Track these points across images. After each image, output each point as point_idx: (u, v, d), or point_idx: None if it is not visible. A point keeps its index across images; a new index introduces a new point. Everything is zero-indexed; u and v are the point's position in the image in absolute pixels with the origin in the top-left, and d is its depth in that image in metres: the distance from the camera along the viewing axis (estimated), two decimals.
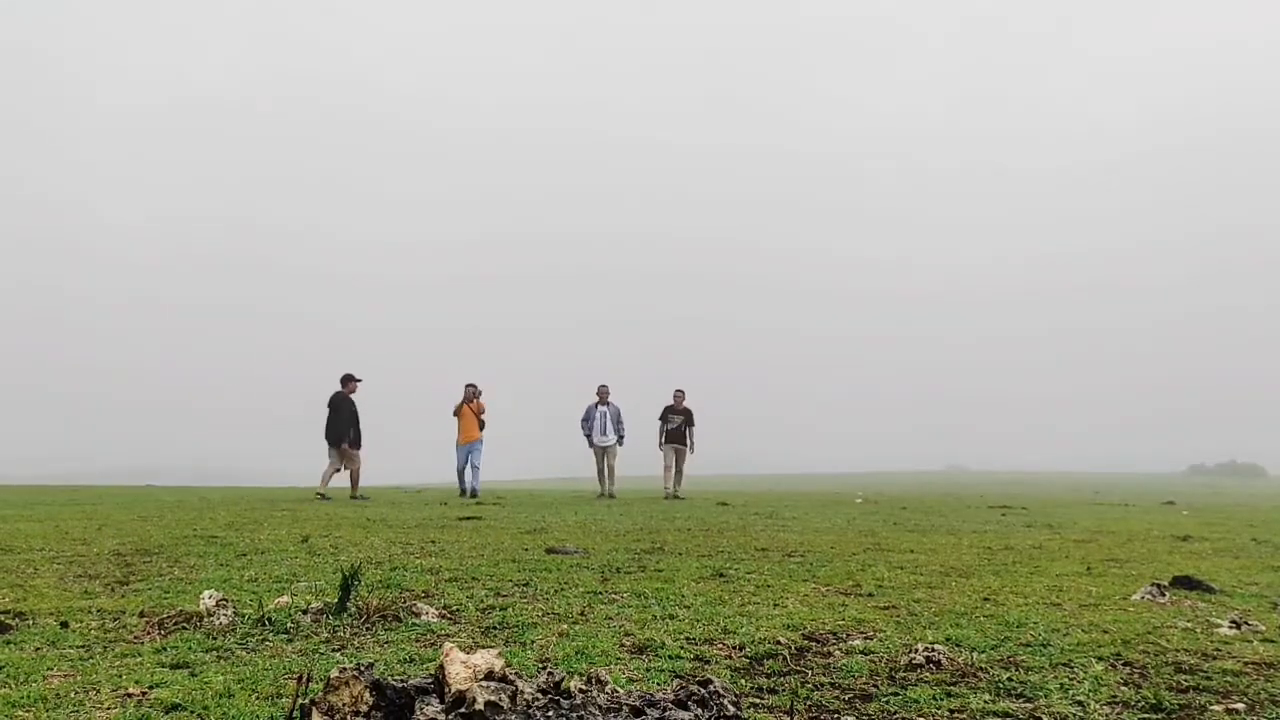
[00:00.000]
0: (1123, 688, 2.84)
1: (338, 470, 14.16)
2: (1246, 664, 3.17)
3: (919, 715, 2.55)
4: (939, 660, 3.06)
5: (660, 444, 16.57)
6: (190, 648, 3.17)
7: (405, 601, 4.02)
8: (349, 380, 14.44)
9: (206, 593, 3.76)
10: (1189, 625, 3.87)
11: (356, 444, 14.19)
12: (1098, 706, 2.65)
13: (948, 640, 3.47)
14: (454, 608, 4.02)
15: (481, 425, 15.79)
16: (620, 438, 16.36)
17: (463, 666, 2.03)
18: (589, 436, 16.32)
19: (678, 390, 16.84)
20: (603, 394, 16.40)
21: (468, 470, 15.63)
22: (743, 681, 2.87)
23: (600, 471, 16.24)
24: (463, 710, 1.96)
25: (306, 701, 2.02)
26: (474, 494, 15.21)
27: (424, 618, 3.75)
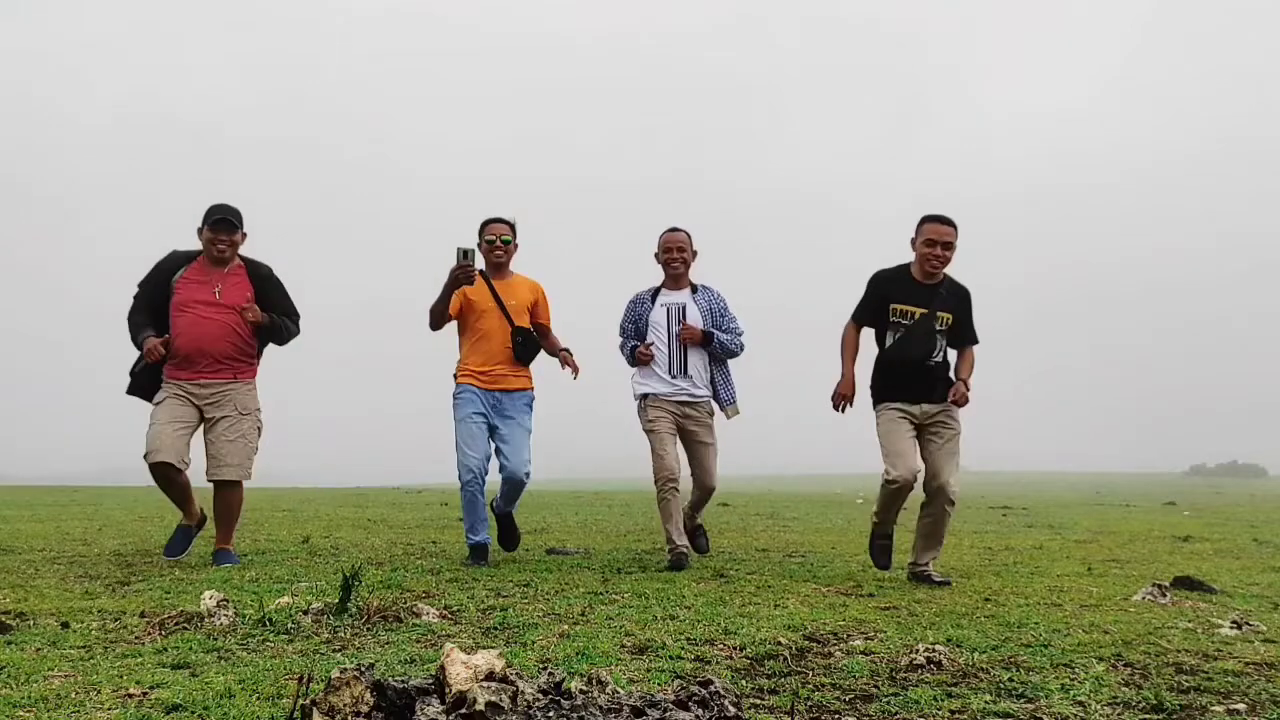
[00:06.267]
0: (1124, 688, 2.84)
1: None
2: (1248, 664, 3.17)
3: (920, 716, 2.55)
4: (940, 661, 3.06)
5: (876, 401, 5.00)
6: (191, 648, 3.17)
7: (406, 602, 4.02)
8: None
9: (207, 593, 3.76)
10: (1190, 626, 3.87)
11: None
12: (1099, 707, 2.64)
13: (948, 641, 3.46)
14: (455, 608, 4.02)
15: (525, 350, 5.58)
16: (725, 395, 5.71)
17: (463, 667, 2.03)
18: (636, 370, 5.65)
19: (932, 221, 4.78)
20: (677, 251, 5.56)
21: (491, 473, 5.64)
22: (744, 682, 2.87)
23: (666, 476, 5.39)
24: (463, 711, 1.96)
25: (307, 702, 2.02)
26: (507, 537, 5.94)
27: (425, 618, 3.74)
